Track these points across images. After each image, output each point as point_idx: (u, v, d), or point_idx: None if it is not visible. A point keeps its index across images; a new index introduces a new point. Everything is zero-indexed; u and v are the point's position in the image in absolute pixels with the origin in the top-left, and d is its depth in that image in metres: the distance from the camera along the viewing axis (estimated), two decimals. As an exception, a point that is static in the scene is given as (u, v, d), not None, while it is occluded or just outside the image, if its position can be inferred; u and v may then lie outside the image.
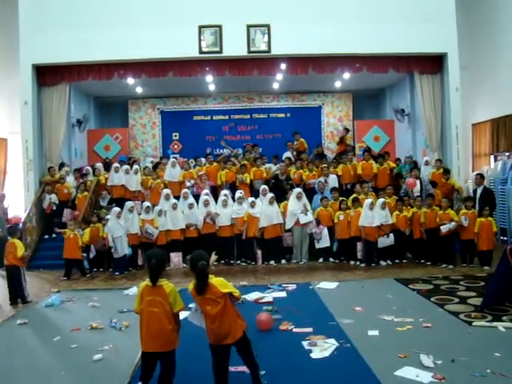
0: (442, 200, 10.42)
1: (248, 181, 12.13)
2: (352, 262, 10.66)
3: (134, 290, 8.27)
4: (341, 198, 11.12)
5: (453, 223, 9.83)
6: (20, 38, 12.17)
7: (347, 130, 15.36)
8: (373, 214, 10.36)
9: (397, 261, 10.54)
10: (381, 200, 10.59)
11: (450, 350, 5.24)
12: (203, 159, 13.03)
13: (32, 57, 12.16)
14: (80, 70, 12.63)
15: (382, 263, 10.45)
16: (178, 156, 15.41)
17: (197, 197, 11.55)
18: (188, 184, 12.09)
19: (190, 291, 4.25)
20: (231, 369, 4.60)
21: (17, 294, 8.18)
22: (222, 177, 12.30)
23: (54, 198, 11.93)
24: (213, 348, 4.28)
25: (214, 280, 4.21)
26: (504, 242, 11.90)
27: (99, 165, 13.64)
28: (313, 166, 12.43)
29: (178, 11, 12.17)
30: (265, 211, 10.96)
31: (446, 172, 11.84)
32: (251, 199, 11.16)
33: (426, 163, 12.46)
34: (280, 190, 11.76)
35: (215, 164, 12.75)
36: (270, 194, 11.14)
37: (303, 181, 12.18)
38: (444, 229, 9.88)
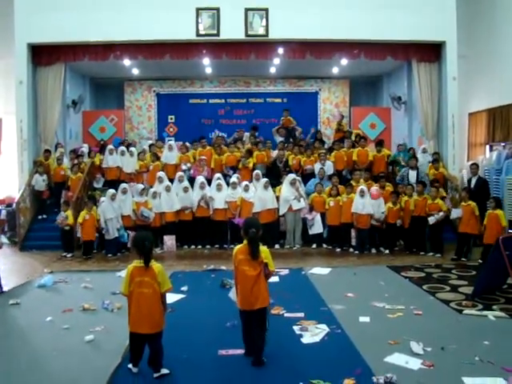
0: (431, 189, 10.27)
1: (251, 165, 12.04)
2: (339, 249, 10.67)
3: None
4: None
5: (441, 213, 9.81)
6: (15, 17, 12.00)
7: (342, 116, 15.29)
8: (363, 201, 10.32)
9: (387, 251, 10.44)
10: (373, 188, 10.55)
11: (440, 337, 5.29)
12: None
13: (27, 36, 12.02)
14: (76, 50, 12.50)
15: (374, 251, 10.46)
16: (173, 139, 15.32)
17: (192, 180, 11.53)
18: (184, 167, 11.98)
19: (236, 252, 4.69)
20: (222, 352, 4.83)
21: None
22: (216, 161, 12.20)
23: (44, 178, 11.89)
24: (242, 314, 4.74)
25: (262, 248, 4.64)
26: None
27: (85, 147, 13.61)
28: (311, 152, 12.30)
29: (175, -8, 12.01)
30: (259, 196, 10.92)
31: (435, 161, 11.77)
32: (244, 183, 11.10)
33: (424, 151, 12.43)
34: (275, 175, 11.72)
35: (208, 148, 12.62)
36: (265, 179, 11.08)
37: (301, 166, 12.11)
38: (431, 220, 9.82)
